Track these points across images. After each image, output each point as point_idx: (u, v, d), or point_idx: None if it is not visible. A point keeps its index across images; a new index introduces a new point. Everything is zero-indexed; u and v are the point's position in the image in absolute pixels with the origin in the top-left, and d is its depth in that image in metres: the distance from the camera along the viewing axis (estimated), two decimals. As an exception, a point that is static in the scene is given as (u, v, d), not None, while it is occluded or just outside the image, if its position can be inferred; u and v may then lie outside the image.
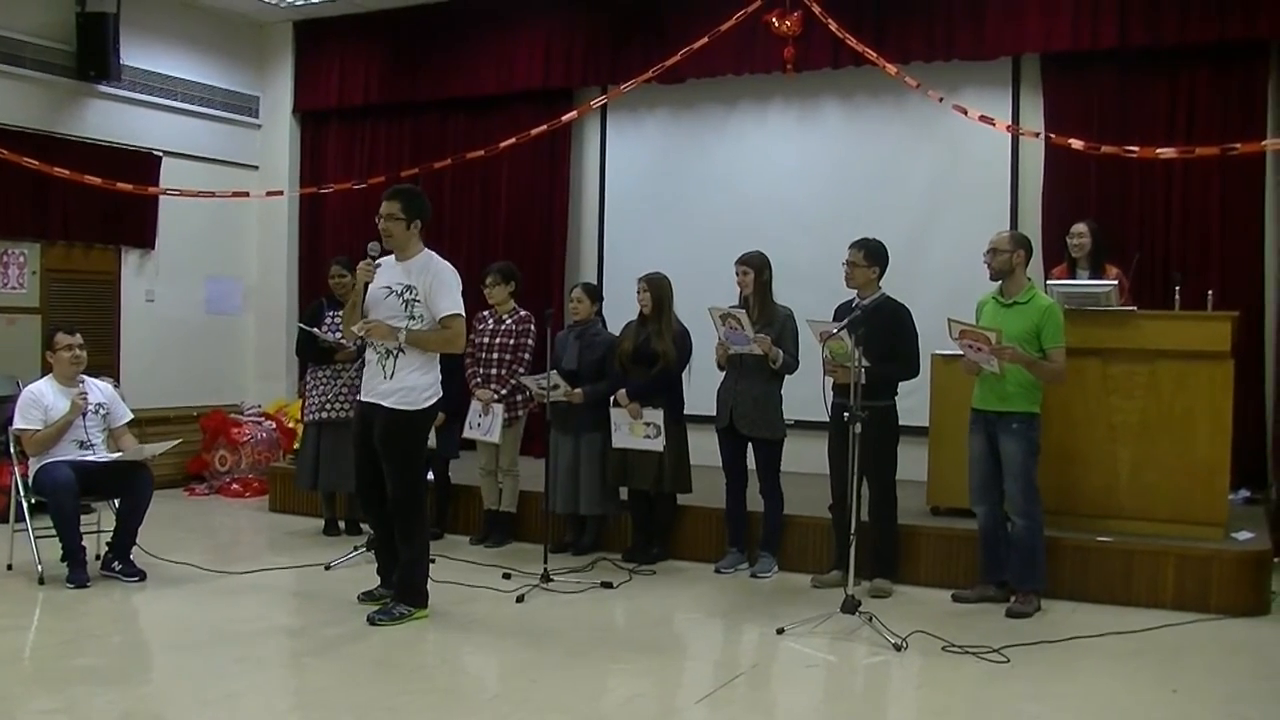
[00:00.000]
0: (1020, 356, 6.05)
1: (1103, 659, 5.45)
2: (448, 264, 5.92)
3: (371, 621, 5.78)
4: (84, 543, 6.60)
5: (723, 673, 5.36)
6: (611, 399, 7.21)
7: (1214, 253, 8.12)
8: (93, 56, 9.61)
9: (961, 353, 6.25)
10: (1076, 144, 7.50)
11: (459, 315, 5.82)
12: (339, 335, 7.85)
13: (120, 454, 6.69)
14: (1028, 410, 6.19)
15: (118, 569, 6.67)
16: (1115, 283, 7.07)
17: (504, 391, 7.58)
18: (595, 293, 7.73)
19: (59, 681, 4.98)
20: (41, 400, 6.68)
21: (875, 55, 7.98)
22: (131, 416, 7.11)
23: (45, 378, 6.87)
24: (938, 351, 7.07)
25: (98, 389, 6.92)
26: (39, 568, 6.55)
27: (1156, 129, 8.14)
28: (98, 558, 6.80)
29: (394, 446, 5.86)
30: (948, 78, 8.59)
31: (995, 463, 6.26)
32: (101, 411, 6.85)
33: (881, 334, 6.36)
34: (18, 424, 6.66)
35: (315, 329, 8.01)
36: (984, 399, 6.30)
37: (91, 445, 6.73)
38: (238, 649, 5.47)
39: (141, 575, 6.66)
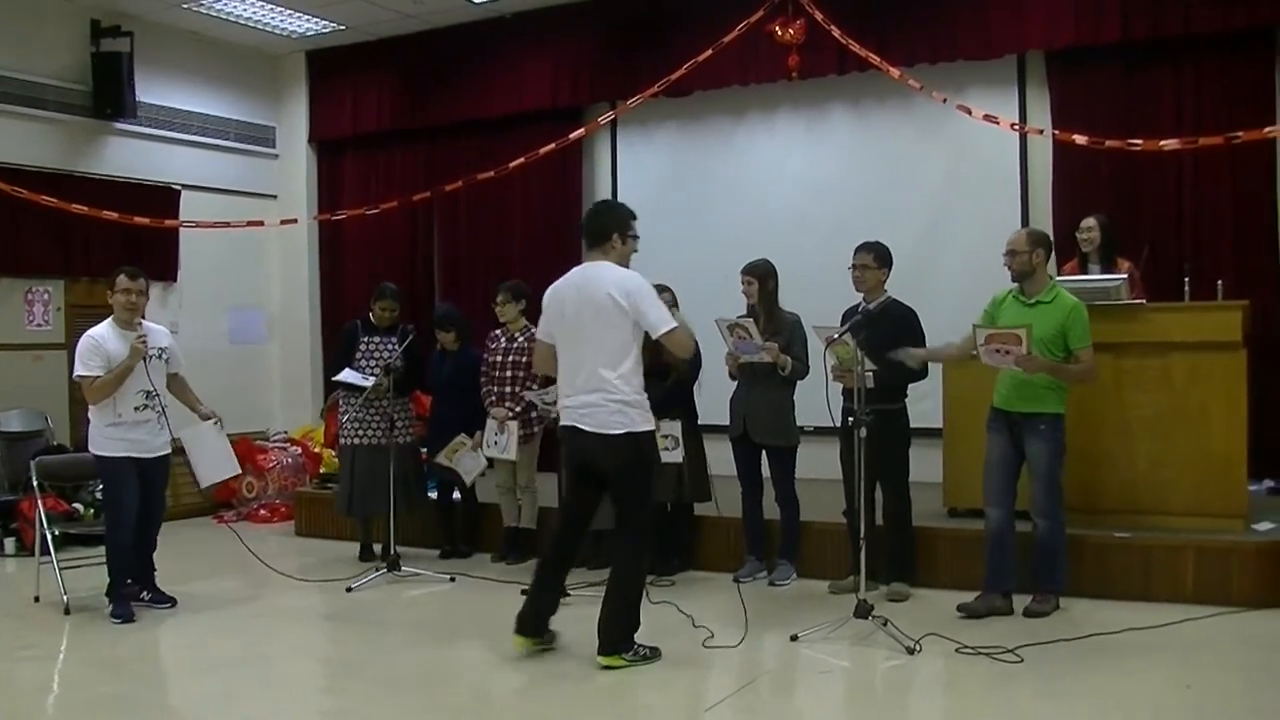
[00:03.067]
0: (1046, 366, 5.92)
1: (1118, 656, 5.41)
2: None
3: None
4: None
5: (736, 680, 5.37)
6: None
7: (1226, 243, 8.05)
8: (109, 95, 9.78)
9: (985, 360, 6.05)
10: (1080, 139, 7.48)
11: None
12: (374, 363, 7.83)
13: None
14: (1055, 411, 6.07)
15: (147, 598, 6.73)
16: (1124, 277, 6.97)
17: (518, 409, 7.63)
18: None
19: (86, 709, 5.07)
20: (103, 346, 6.43)
21: (879, 60, 7.97)
22: (185, 365, 6.95)
23: (105, 322, 6.60)
24: (950, 353, 7.04)
25: (157, 333, 6.73)
26: (64, 598, 6.65)
27: (1164, 121, 8.10)
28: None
29: None
30: (954, 78, 8.59)
31: (1016, 464, 6.14)
32: (164, 356, 6.69)
33: (888, 337, 6.30)
34: (78, 371, 6.44)
35: (346, 377, 7.82)
36: (1009, 399, 6.12)
37: (157, 394, 6.54)
38: (262, 671, 5.58)
39: (172, 601, 6.75)
